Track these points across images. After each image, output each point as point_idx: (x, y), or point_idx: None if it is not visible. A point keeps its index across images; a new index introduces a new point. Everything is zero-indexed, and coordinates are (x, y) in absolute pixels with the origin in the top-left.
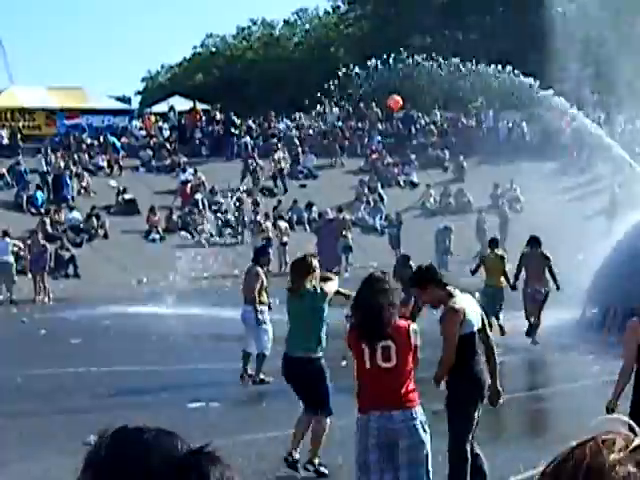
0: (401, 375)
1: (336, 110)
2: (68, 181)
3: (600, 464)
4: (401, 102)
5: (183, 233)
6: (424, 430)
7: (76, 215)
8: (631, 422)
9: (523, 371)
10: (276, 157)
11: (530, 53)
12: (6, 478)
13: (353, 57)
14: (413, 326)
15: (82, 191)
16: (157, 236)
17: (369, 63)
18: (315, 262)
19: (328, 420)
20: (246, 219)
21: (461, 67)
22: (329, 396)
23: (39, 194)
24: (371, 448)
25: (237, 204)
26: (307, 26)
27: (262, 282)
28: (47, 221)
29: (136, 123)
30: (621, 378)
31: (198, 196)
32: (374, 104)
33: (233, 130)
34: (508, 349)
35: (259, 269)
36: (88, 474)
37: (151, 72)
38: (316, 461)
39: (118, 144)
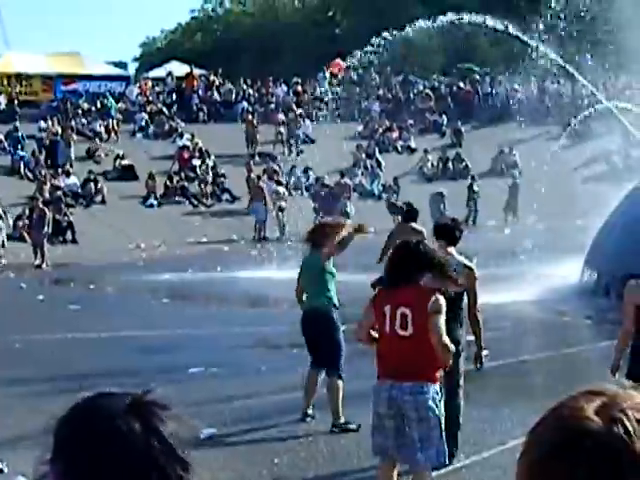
0: (418, 345)
1: (327, 74)
2: (65, 147)
3: (578, 418)
4: (343, 65)
5: (180, 198)
6: (436, 406)
7: (74, 181)
8: (627, 383)
9: (521, 336)
10: (279, 122)
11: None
12: (4, 444)
13: (351, 22)
14: (436, 296)
15: (79, 156)
16: (155, 202)
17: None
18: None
19: (340, 382)
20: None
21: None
22: (340, 355)
23: (36, 160)
24: (382, 418)
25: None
26: None
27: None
28: (45, 187)
29: (133, 89)
30: (620, 340)
31: (196, 162)
32: (372, 69)
33: (231, 95)
34: (506, 315)
35: (415, 226)
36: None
37: (149, 38)
38: (341, 421)
39: (114, 109)
